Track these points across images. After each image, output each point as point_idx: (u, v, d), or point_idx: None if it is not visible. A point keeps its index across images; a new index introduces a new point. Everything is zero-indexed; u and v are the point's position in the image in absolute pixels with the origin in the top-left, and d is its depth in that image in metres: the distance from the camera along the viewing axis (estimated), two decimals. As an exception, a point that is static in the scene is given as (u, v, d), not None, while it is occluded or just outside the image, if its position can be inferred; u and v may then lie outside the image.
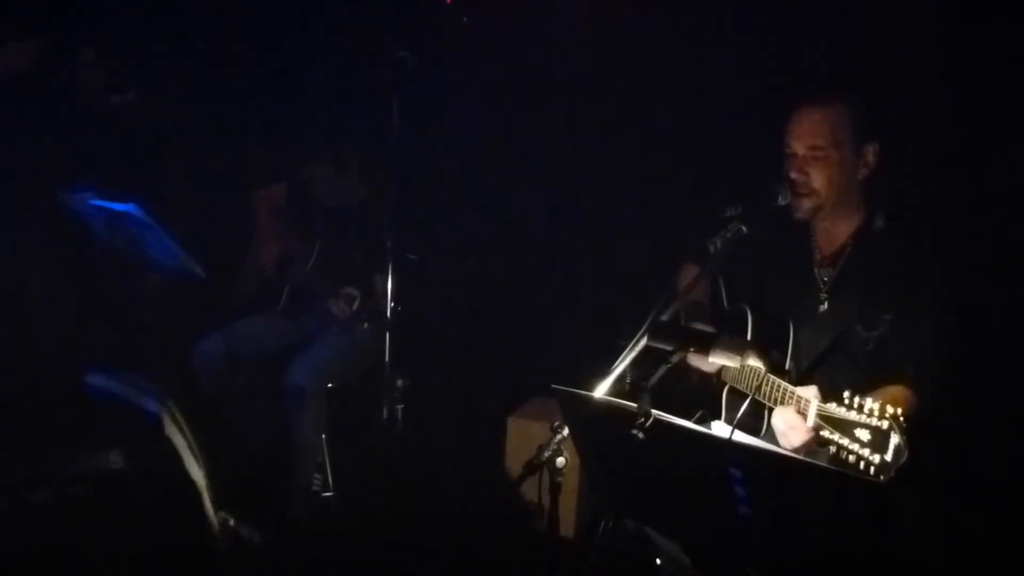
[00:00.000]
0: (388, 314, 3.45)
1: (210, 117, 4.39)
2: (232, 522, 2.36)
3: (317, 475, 3.74)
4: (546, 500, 2.33)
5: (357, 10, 4.36)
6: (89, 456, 2.40)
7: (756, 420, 2.56)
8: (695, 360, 2.66)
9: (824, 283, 2.63)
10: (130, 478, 2.34)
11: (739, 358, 2.23)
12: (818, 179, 2.53)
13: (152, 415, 2.20)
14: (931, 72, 3.20)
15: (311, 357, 3.79)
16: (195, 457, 2.23)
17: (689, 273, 2.82)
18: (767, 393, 2.42)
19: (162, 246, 3.42)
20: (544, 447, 2.27)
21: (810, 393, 2.23)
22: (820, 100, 2.57)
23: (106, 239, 3.58)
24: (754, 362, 2.30)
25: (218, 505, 2.27)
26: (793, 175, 2.55)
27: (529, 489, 2.34)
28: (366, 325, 3.63)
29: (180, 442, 2.21)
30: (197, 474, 2.23)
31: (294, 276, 3.97)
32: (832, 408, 2.11)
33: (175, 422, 2.21)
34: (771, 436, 2.52)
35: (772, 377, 2.42)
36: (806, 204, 2.57)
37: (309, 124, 4.13)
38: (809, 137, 2.53)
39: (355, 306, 3.64)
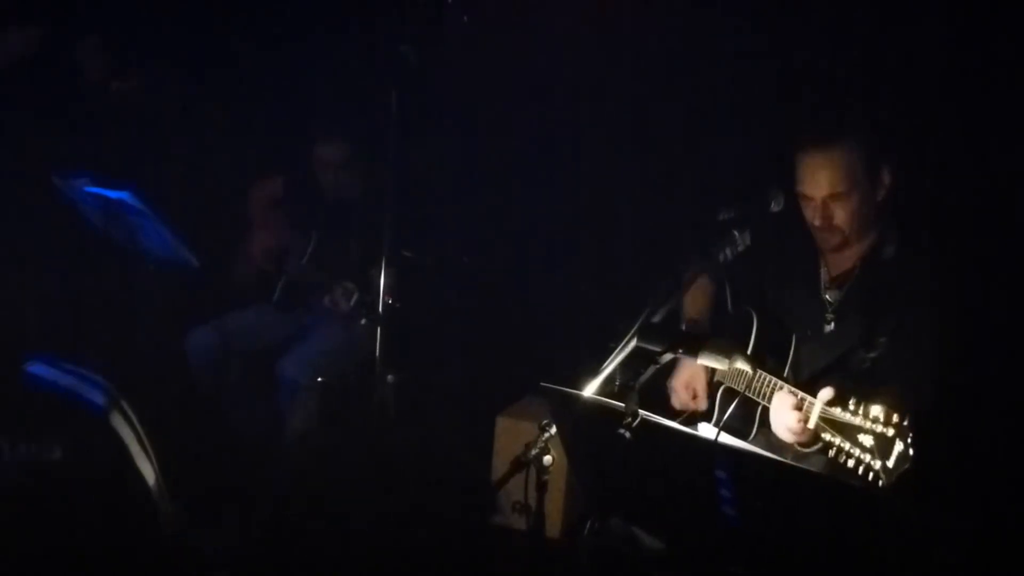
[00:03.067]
0: (380, 309, 3.46)
1: (210, 108, 4.39)
2: (188, 526, 2.34)
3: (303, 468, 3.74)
4: (532, 498, 2.33)
5: (358, 5, 4.37)
6: (26, 445, 2.39)
7: (746, 424, 2.57)
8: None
9: (830, 304, 2.63)
10: (70, 469, 2.32)
11: (727, 361, 2.24)
12: (841, 219, 2.52)
13: (97, 406, 2.18)
14: (935, 86, 3.21)
15: (304, 350, 3.80)
16: (145, 451, 2.21)
17: (695, 285, 2.82)
18: (761, 391, 2.43)
19: (157, 235, 3.42)
20: (532, 445, 2.27)
21: (818, 394, 2.22)
22: (828, 141, 2.52)
23: (100, 227, 3.57)
24: (742, 365, 2.30)
25: (172, 502, 2.25)
26: (817, 222, 2.54)
27: (516, 487, 2.33)
28: (364, 320, 3.61)
29: (128, 435, 2.19)
30: (147, 468, 2.21)
31: (290, 269, 3.96)
32: (836, 412, 2.11)
33: (123, 414, 2.19)
34: (760, 439, 2.53)
35: (764, 373, 2.42)
36: (834, 241, 2.56)
37: (308, 118, 4.13)
38: (826, 186, 2.50)
39: (353, 300, 3.62)
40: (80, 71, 4.21)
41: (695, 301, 2.87)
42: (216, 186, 4.25)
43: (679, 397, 2.77)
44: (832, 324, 2.60)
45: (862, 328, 2.52)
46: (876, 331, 2.48)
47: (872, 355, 2.48)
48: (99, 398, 2.18)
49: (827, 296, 2.64)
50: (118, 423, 2.16)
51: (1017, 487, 2.87)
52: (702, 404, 2.74)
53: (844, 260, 2.63)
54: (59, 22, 4.15)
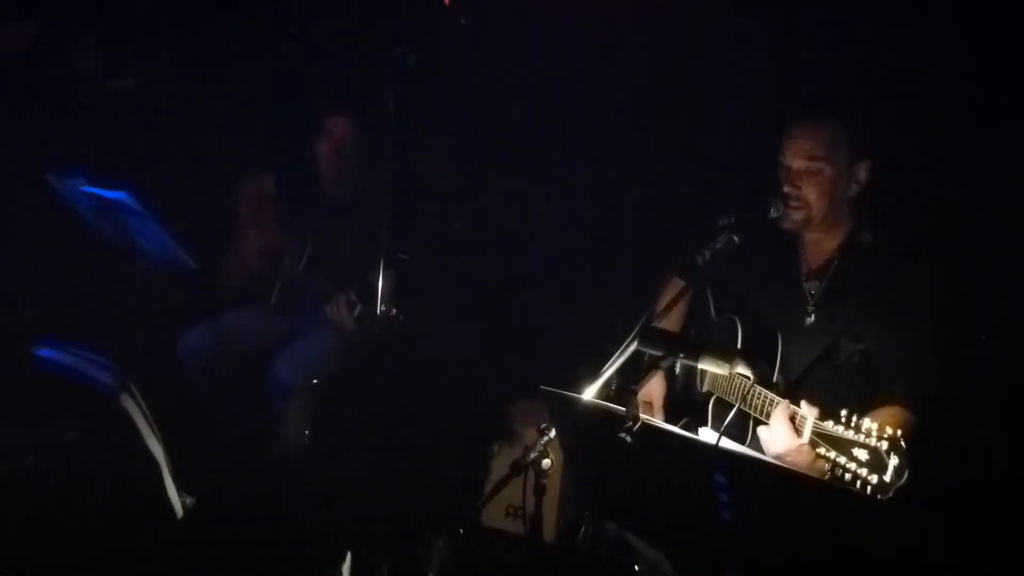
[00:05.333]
0: (378, 313, 3.44)
1: (206, 107, 4.38)
2: (190, 501, 2.36)
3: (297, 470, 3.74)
4: (530, 502, 2.33)
5: (355, 7, 4.36)
6: (43, 427, 2.42)
7: (740, 431, 2.57)
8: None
9: (811, 296, 2.64)
10: (85, 449, 2.35)
11: (728, 366, 2.23)
12: (810, 193, 2.56)
13: (107, 387, 2.21)
14: (925, 83, 3.23)
15: (298, 352, 3.79)
16: (153, 431, 2.24)
17: (672, 288, 2.83)
18: (754, 404, 2.43)
19: (153, 235, 3.40)
20: (530, 448, 2.26)
21: (807, 410, 2.24)
22: (817, 116, 2.60)
23: (95, 226, 3.56)
24: (743, 370, 2.30)
25: (177, 482, 2.28)
26: (786, 188, 2.58)
27: (512, 490, 2.33)
28: (369, 333, 3.58)
29: (137, 415, 2.22)
30: (156, 448, 2.24)
31: (286, 274, 3.94)
32: (829, 426, 2.12)
33: (131, 395, 2.22)
34: (755, 446, 2.54)
35: (759, 388, 2.43)
36: (796, 217, 2.59)
37: (305, 119, 4.12)
38: (804, 152, 2.56)
39: (356, 312, 3.58)
40: (76, 70, 4.19)
41: (669, 321, 2.88)
42: (213, 186, 4.24)
43: None
44: (812, 316, 2.62)
45: (844, 319, 2.53)
46: (861, 322, 2.50)
47: (860, 347, 2.49)
48: (107, 378, 2.20)
49: (807, 287, 2.66)
50: (128, 403, 2.19)
51: (1017, 487, 2.88)
52: (658, 417, 2.76)
53: (822, 250, 2.66)
54: (55, 21, 4.13)
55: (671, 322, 2.86)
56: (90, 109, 4.23)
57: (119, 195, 3.29)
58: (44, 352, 2.32)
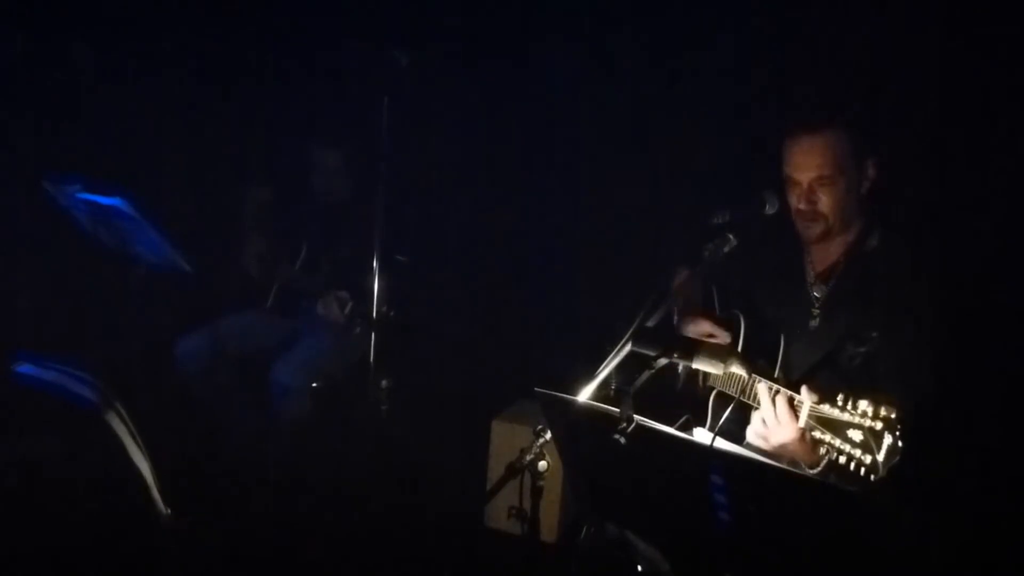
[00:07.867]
0: (375, 315, 3.45)
1: (202, 113, 4.38)
2: (179, 519, 2.35)
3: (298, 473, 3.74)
4: (528, 504, 2.32)
5: (351, 8, 4.36)
6: (21, 442, 2.40)
7: (740, 428, 2.56)
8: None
9: (816, 299, 2.63)
10: (69, 466, 2.34)
11: (722, 365, 2.22)
12: (826, 204, 2.53)
13: (88, 401, 2.20)
14: (925, 83, 3.21)
15: (297, 355, 3.79)
16: (138, 446, 2.22)
17: (682, 276, 2.82)
18: (751, 393, 2.41)
19: (149, 240, 3.41)
20: (526, 450, 2.26)
21: (805, 395, 2.22)
22: (817, 127, 2.54)
23: (91, 232, 3.56)
24: (737, 370, 2.29)
25: (165, 498, 2.27)
26: (802, 206, 2.55)
27: (511, 492, 2.32)
28: (359, 329, 3.61)
29: (121, 430, 2.20)
30: (142, 463, 2.23)
31: (282, 275, 3.95)
32: (825, 409, 2.10)
33: (115, 410, 2.20)
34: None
35: (759, 378, 2.41)
36: (816, 230, 2.56)
37: (300, 122, 4.12)
38: (814, 169, 2.51)
39: (347, 310, 3.61)
40: (74, 74, 4.20)
41: (688, 300, 2.86)
42: (208, 190, 4.25)
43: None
44: (817, 320, 2.60)
45: (849, 323, 2.51)
46: (864, 325, 2.47)
47: (863, 350, 2.46)
48: (89, 394, 2.19)
49: (813, 291, 2.64)
50: (111, 419, 2.17)
51: (1012, 487, 2.87)
52: (724, 337, 2.66)
53: (829, 254, 2.64)
54: (54, 25, 4.14)
55: (688, 303, 2.84)
56: (87, 114, 4.24)
57: (114, 201, 3.29)
58: (23, 368, 2.30)
